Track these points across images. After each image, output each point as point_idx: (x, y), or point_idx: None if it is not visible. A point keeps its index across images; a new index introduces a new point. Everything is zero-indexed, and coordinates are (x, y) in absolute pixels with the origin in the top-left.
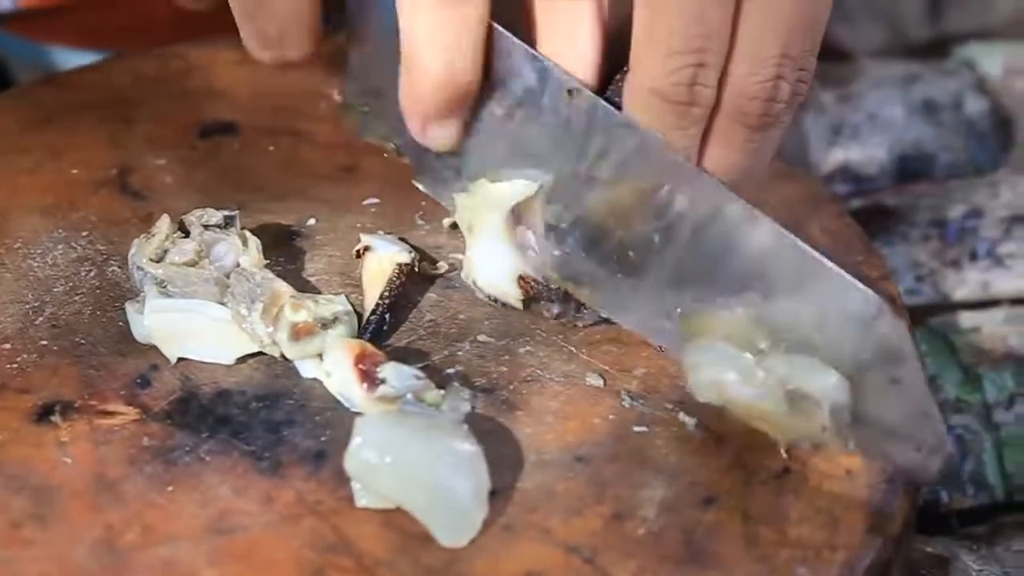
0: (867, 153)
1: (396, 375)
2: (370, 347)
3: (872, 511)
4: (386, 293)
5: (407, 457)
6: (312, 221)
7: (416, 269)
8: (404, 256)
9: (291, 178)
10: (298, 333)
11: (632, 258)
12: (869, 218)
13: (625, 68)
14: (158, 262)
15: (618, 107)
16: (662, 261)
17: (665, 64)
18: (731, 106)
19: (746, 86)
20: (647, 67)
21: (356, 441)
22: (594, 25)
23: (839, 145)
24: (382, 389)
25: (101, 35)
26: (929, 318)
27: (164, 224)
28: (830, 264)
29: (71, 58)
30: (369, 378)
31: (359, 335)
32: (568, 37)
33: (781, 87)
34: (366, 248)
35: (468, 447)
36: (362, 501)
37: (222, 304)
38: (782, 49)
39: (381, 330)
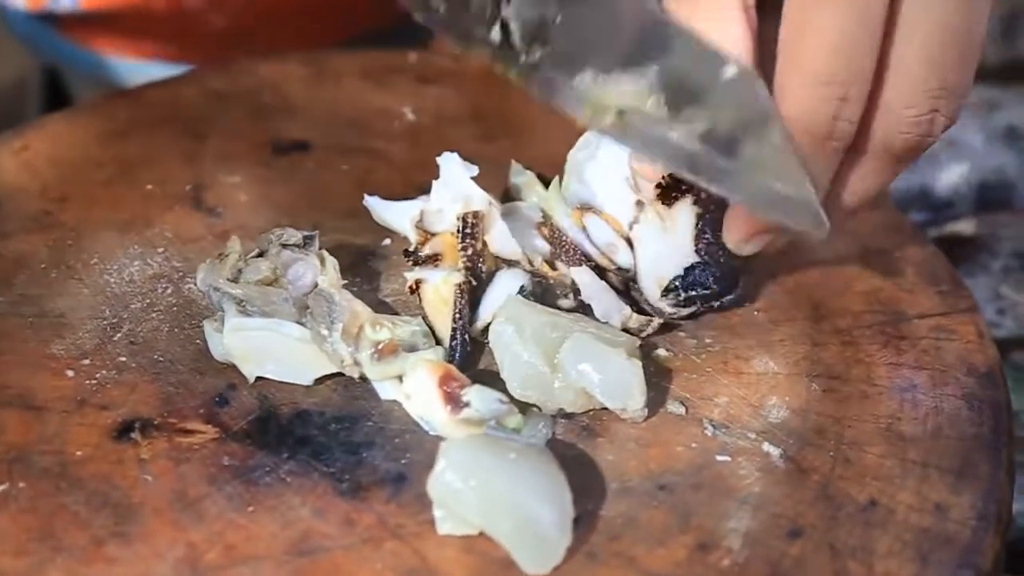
0: (945, 180)
1: (481, 398)
2: (454, 369)
3: (962, 547)
4: (456, 316)
5: (492, 482)
6: (387, 242)
7: (473, 283)
8: (457, 276)
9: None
10: (381, 352)
11: None
12: (947, 248)
13: None
14: (234, 281)
15: None
16: None
17: (808, 94)
18: (880, 139)
19: (899, 119)
20: (788, 94)
21: (440, 465)
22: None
23: (915, 171)
24: (466, 412)
25: (157, 44)
26: (1011, 352)
27: (236, 245)
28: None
29: (128, 70)
30: (453, 400)
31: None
32: (718, 23)
33: (937, 121)
34: (417, 282)
35: (553, 473)
36: (444, 527)
37: (300, 324)
38: (940, 82)
39: (465, 353)
